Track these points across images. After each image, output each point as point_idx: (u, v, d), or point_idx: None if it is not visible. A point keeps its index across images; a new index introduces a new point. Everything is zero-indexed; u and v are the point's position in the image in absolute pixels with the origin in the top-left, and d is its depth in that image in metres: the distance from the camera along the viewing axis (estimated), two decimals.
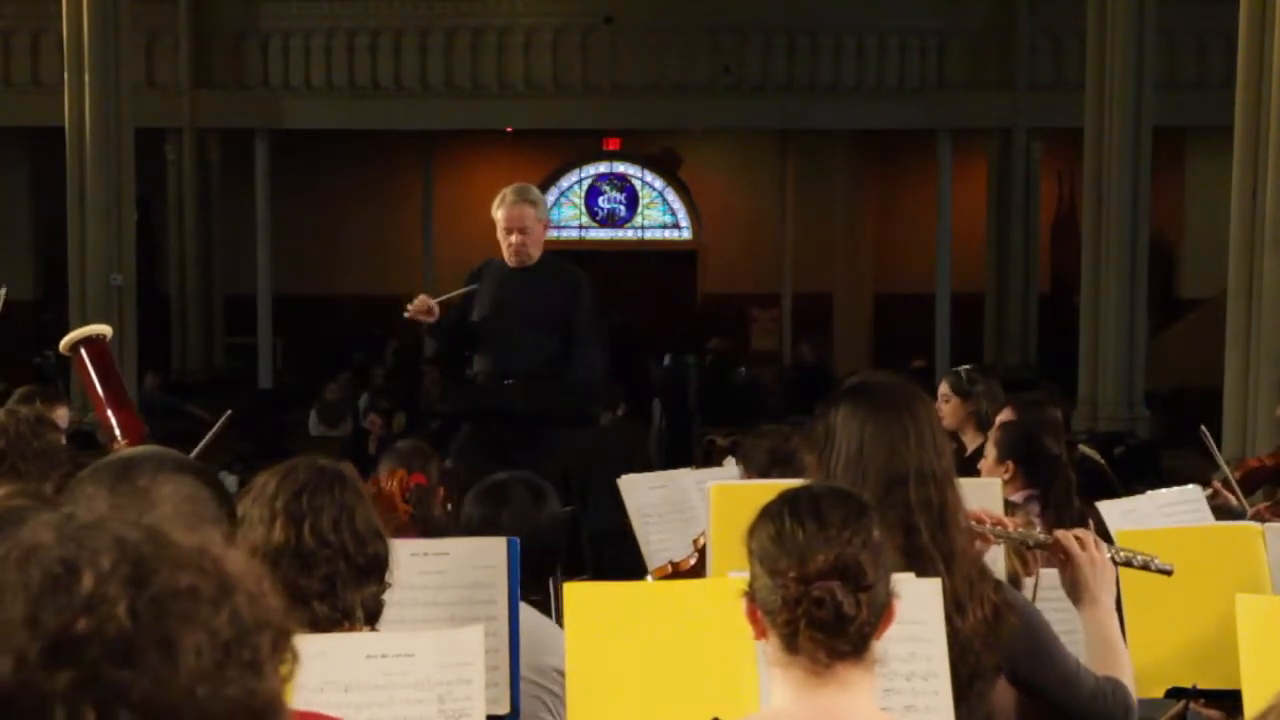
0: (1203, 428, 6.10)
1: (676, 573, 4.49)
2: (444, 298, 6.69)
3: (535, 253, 6.71)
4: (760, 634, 2.31)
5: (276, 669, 1.09)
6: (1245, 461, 6.99)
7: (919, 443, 2.92)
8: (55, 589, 1.02)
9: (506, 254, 6.67)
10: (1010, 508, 4.06)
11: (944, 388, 6.14)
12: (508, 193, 6.69)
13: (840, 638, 2.22)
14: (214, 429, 5.49)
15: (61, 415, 5.36)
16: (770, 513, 2.34)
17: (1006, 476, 4.98)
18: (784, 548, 2.27)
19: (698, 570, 4.23)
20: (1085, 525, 4.93)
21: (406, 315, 6.58)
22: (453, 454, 6.47)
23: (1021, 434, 5.12)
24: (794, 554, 2.25)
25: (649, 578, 4.53)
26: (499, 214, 6.66)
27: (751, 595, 2.31)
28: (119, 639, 1.02)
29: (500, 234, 6.68)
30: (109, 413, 4.34)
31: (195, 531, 1.10)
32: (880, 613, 2.26)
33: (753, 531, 2.34)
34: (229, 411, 5.85)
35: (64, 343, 4.62)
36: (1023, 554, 3.91)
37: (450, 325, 6.72)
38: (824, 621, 2.21)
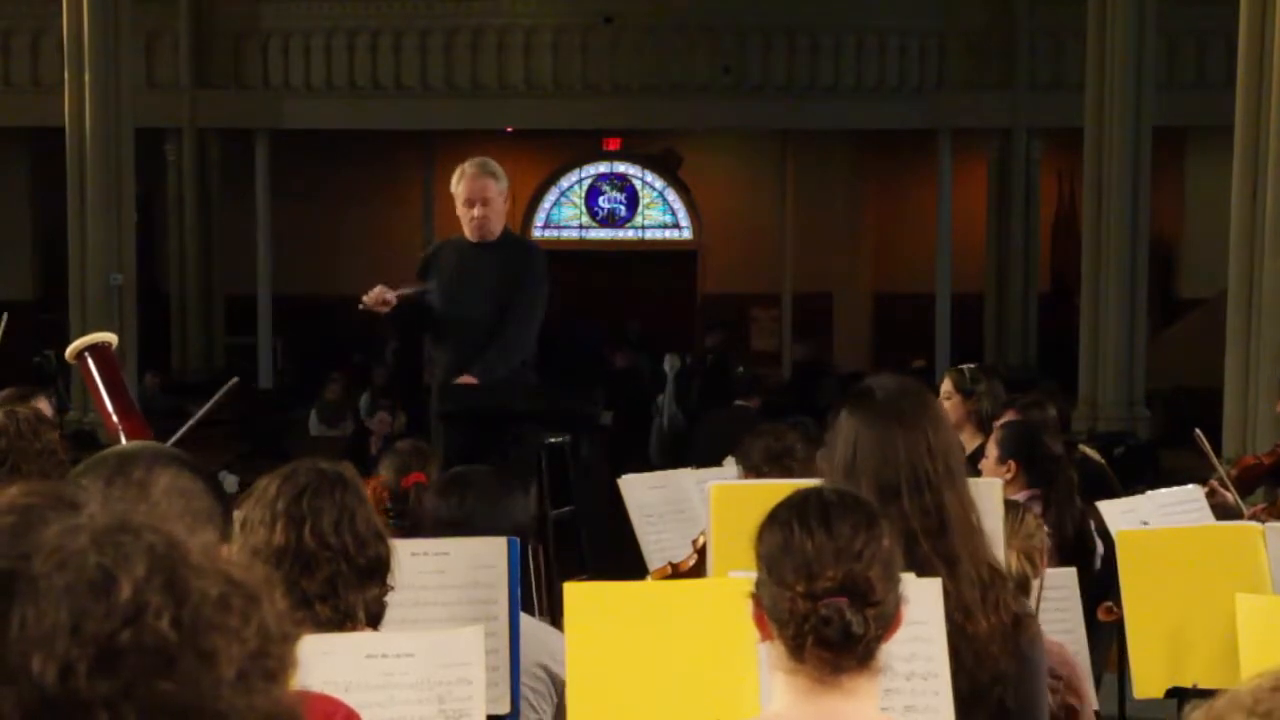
0: (1197, 431, 6.10)
1: (676, 573, 4.48)
2: (400, 291, 6.58)
3: (496, 227, 6.56)
4: (766, 636, 2.30)
5: (289, 678, 1.10)
6: (1242, 459, 6.98)
7: (910, 450, 2.90)
8: (95, 596, 1.02)
9: (467, 228, 6.52)
10: (1013, 507, 4.05)
11: (946, 386, 6.12)
12: (466, 166, 6.54)
13: (847, 654, 2.22)
14: (219, 393, 5.42)
15: (43, 409, 5.34)
16: (779, 519, 2.31)
17: (1008, 476, 4.97)
18: (792, 559, 2.24)
19: (697, 570, 4.23)
20: (1085, 525, 4.95)
21: (361, 307, 6.49)
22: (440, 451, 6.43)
23: (1023, 434, 5.12)
24: (802, 567, 2.23)
25: (649, 579, 4.52)
26: (459, 188, 6.51)
27: (758, 599, 2.30)
28: (162, 649, 1.02)
29: (460, 208, 6.52)
30: (115, 420, 4.34)
31: (191, 528, 1.10)
32: (889, 623, 2.25)
33: (761, 535, 2.32)
34: (235, 379, 5.78)
35: (70, 351, 4.63)
36: (1031, 555, 3.91)
37: (407, 315, 6.58)
38: (831, 640, 2.20)
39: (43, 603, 1.01)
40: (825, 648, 2.20)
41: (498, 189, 6.54)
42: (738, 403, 11.63)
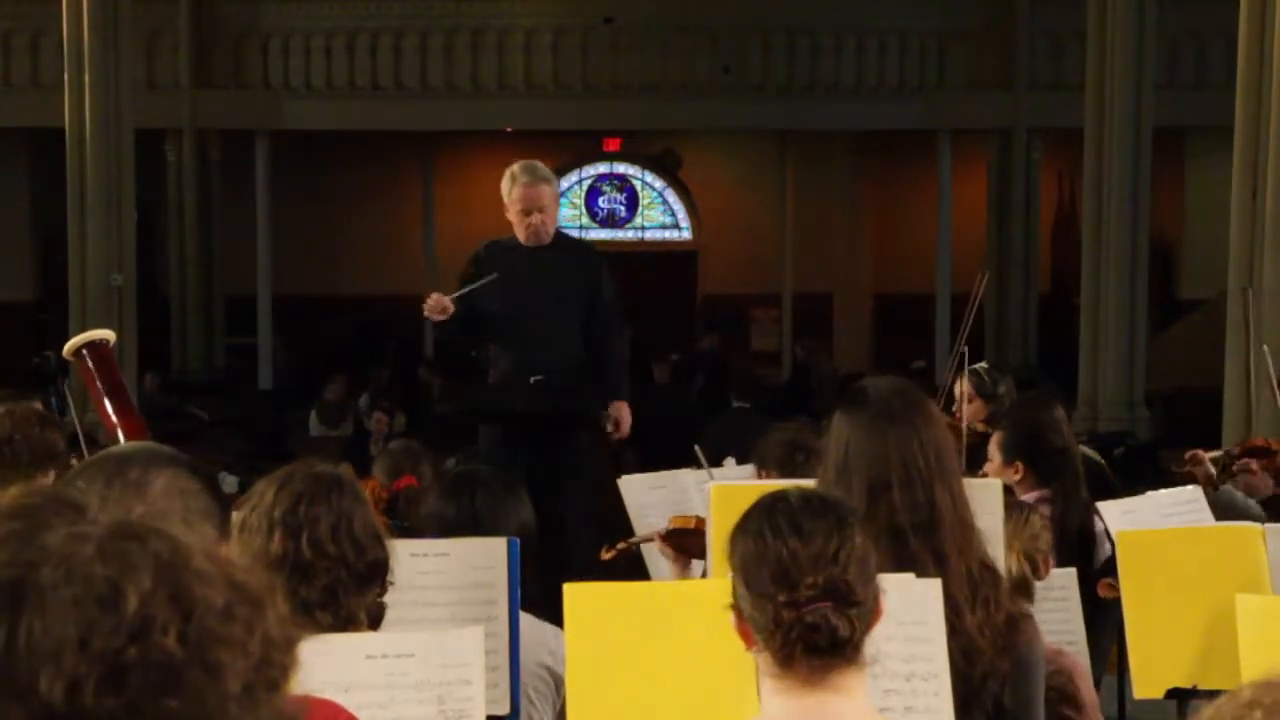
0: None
1: (682, 529, 4.37)
2: (461, 293, 6.46)
3: (552, 230, 6.57)
4: (751, 644, 2.30)
5: (289, 685, 1.09)
6: (1251, 440, 6.88)
7: (900, 445, 2.92)
8: (103, 610, 1.00)
9: (523, 234, 6.47)
10: (1018, 508, 4.04)
11: (967, 388, 6.02)
12: (518, 172, 6.50)
13: (836, 655, 2.23)
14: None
15: None
16: (749, 528, 2.31)
17: (1017, 478, 4.93)
18: (768, 568, 2.25)
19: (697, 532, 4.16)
20: (1090, 521, 4.93)
21: (426, 316, 6.48)
22: (482, 452, 6.42)
23: (1025, 431, 5.06)
24: (780, 576, 2.23)
25: (666, 524, 4.40)
26: (514, 194, 6.45)
27: (738, 610, 2.30)
28: (168, 665, 1.01)
29: (515, 215, 6.46)
30: (112, 418, 4.35)
31: (191, 528, 1.09)
32: (870, 616, 2.27)
33: (733, 544, 2.32)
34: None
35: (67, 348, 4.63)
36: (1034, 558, 3.90)
37: (463, 319, 6.48)
38: (820, 646, 2.21)
39: (50, 615, 1.00)
40: (814, 654, 2.21)
41: (551, 193, 6.58)
42: (735, 404, 11.63)
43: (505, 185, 6.52)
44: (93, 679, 0.99)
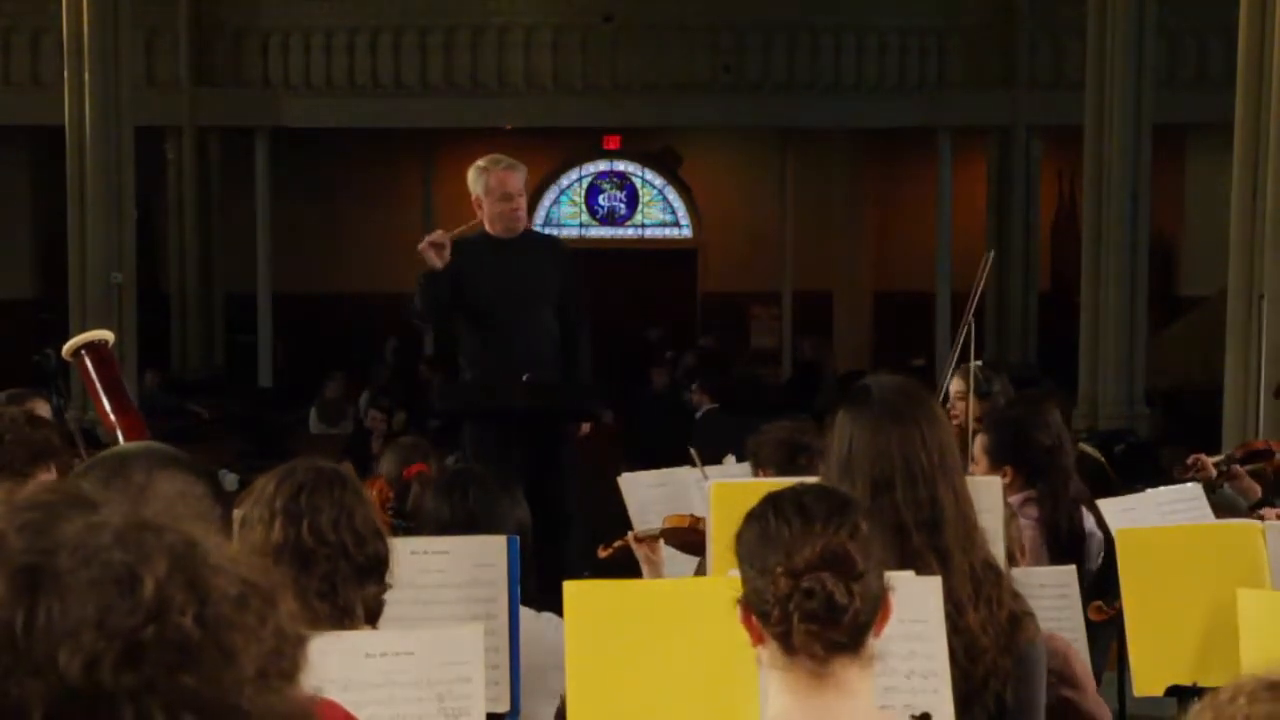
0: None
1: (677, 528, 4.38)
2: (457, 232, 6.52)
3: (525, 219, 6.65)
4: (757, 639, 2.30)
5: (301, 680, 1.11)
6: (1250, 443, 6.85)
7: (904, 443, 2.93)
8: (120, 592, 1.04)
9: (500, 222, 6.48)
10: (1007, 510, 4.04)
11: (959, 385, 6.00)
12: (485, 164, 6.53)
13: (835, 628, 2.21)
14: None
15: (42, 409, 5.33)
16: (755, 514, 2.35)
17: (1005, 481, 4.91)
18: (771, 545, 2.27)
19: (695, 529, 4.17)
20: (1079, 518, 4.92)
21: (420, 247, 6.48)
22: (467, 450, 6.45)
23: (1009, 433, 5.02)
24: (781, 550, 2.26)
25: (664, 522, 4.41)
26: (490, 181, 6.47)
27: (745, 601, 2.31)
28: (185, 645, 1.04)
29: (492, 202, 6.47)
30: (111, 417, 4.35)
31: (206, 531, 1.12)
32: (875, 605, 2.26)
33: (739, 536, 2.35)
34: None
35: (66, 348, 4.64)
36: (1011, 550, 3.91)
37: (445, 288, 6.46)
38: (816, 612, 2.21)
39: (68, 597, 1.03)
40: (812, 621, 2.20)
41: (523, 180, 6.64)
42: (706, 407, 11.69)
43: (475, 178, 6.55)
44: (110, 656, 1.02)
